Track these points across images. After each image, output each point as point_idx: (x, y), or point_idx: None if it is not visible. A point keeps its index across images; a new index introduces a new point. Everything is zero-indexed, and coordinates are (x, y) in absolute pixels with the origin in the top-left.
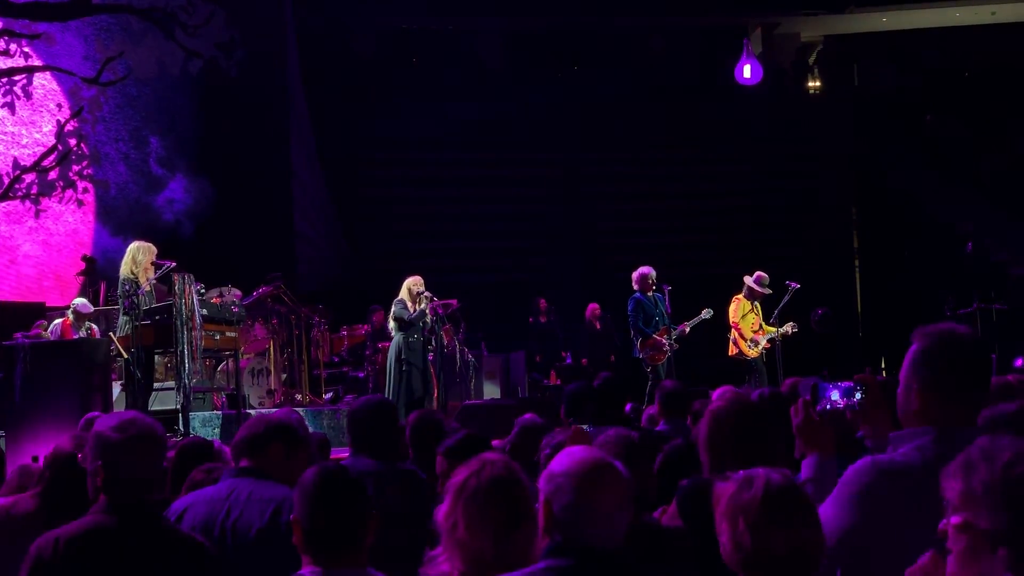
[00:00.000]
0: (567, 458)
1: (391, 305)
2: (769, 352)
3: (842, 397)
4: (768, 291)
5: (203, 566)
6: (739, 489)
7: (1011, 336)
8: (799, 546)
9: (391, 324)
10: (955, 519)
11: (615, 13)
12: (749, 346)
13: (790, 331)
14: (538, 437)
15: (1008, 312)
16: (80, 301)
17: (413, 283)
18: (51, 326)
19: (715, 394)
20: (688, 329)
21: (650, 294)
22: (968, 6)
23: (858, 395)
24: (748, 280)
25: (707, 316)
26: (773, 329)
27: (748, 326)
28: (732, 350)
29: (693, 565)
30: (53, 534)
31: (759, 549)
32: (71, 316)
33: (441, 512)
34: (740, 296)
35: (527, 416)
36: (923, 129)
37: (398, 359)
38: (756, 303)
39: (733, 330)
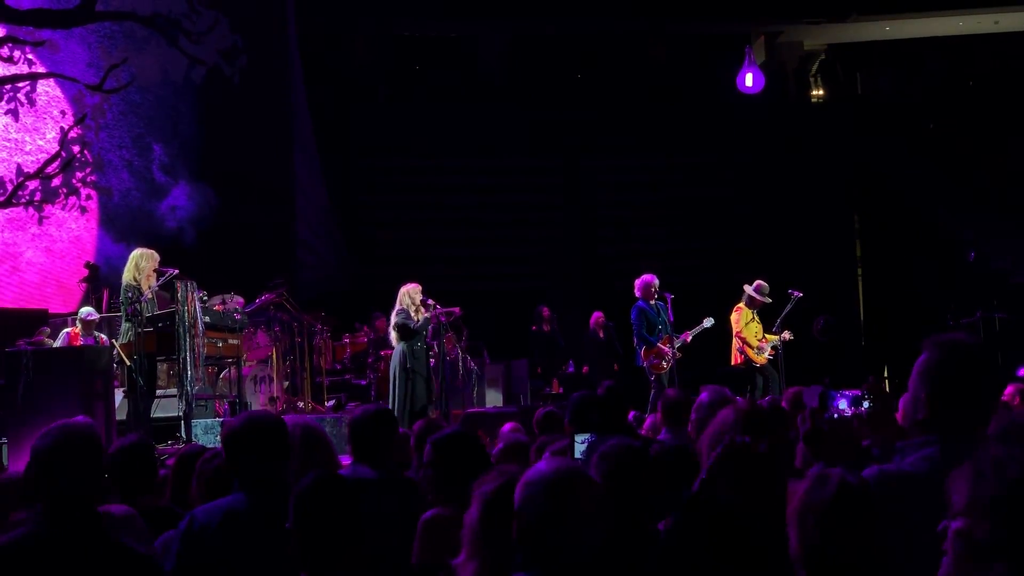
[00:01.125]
0: (539, 468)
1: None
2: (772, 361)
3: (849, 406)
4: (768, 299)
5: None
6: (812, 487)
7: (1013, 345)
8: (869, 548)
9: (392, 333)
10: (956, 524)
11: (617, 19)
12: (757, 353)
13: (787, 338)
14: (524, 452)
15: (1010, 321)
16: (86, 310)
17: (415, 291)
18: (58, 336)
19: (703, 395)
20: (691, 338)
21: (653, 302)
22: (971, 15)
23: (866, 404)
24: (748, 289)
25: (708, 325)
26: (775, 337)
27: (752, 335)
28: (737, 359)
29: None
30: None
31: (828, 549)
32: (79, 325)
33: (468, 517)
34: (741, 305)
35: (507, 427)
36: (926, 138)
37: (403, 367)
38: (756, 311)
39: (737, 339)
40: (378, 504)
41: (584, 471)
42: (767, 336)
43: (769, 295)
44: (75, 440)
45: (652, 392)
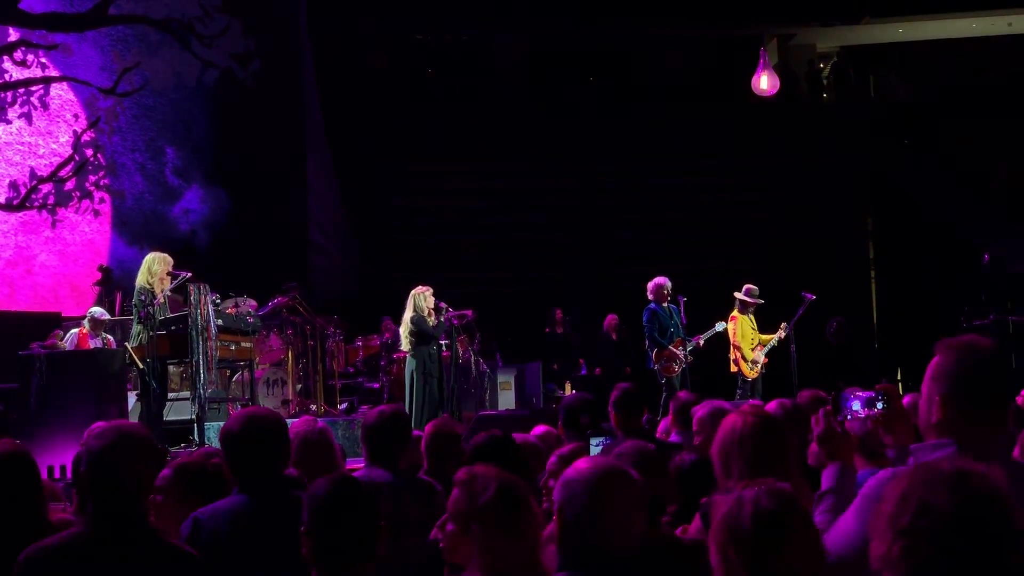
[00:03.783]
0: (581, 465)
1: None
2: (783, 363)
3: (863, 407)
4: (760, 300)
5: None
6: (730, 511)
7: None
8: (792, 570)
9: (407, 339)
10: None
11: (631, 24)
12: (750, 367)
13: (783, 333)
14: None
15: None
16: (97, 309)
17: (428, 294)
18: (67, 336)
19: (701, 411)
20: (703, 341)
21: (665, 305)
22: (984, 17)
23: (879, 405)
24: (739, 295)
25: (720, 329)
26: (769, 337)
27: (748, 345)
28: (735, 368)
29: None
30: (33, 546)
31: (750, 573)
32: (87, 324)
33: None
34: (735, 313)
35: (537, 430)
36: (939, 140)
37: (423, 372)
38: (751, 316)
39: (734, 350)
40: (396, 506)
41: (625, 468)
42: (761, 338)
43: (761, 296)
44: (131, 440)
45: (664, 395)
